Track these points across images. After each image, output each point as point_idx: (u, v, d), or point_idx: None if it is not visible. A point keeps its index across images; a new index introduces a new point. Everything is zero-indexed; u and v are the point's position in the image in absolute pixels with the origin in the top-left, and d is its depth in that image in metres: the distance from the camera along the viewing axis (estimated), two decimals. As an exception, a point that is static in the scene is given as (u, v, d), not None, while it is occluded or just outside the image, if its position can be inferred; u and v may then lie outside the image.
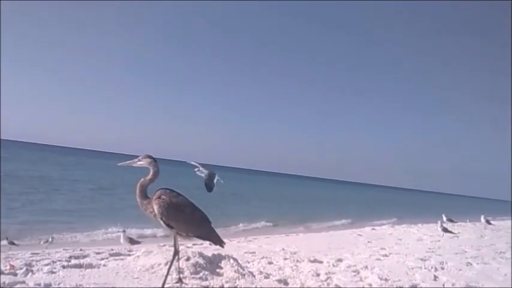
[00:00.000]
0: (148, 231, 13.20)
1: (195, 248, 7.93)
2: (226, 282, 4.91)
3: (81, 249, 8.04)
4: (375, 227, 18.33)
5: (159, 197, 3.91)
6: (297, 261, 8.01)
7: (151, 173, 3.97)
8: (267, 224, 19.44)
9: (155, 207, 3.87)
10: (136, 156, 4.05)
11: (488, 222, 18.70)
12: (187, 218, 4.07)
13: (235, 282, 4.98)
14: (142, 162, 4.01)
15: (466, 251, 10.45)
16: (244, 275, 5.29)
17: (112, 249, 8.03)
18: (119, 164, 4.16)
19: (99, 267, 5.11)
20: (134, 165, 4.04)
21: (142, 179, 3.96)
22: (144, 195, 3.97)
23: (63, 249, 8.02)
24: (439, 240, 12.91)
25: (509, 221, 27.70)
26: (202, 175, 4.73)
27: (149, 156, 4.02)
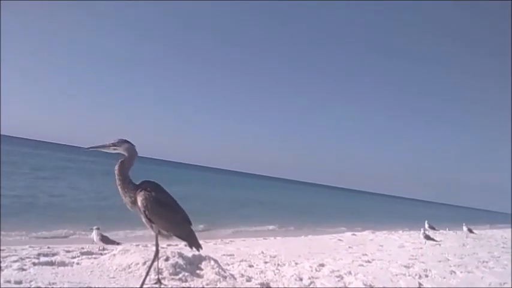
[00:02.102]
0: (121, 232, 12.99)
1: (172, 248, 7.86)
2: (207, 284, 4.87)
3: (48, 247, 7.86)
4: (355, 233, 18.52)
5: (146, 189, 3.83)
6: (278, 265, 8.05)
7: (129, 156, 3.84)
8: (244, 225, 19.43)
9: (139, 199, 3.78)
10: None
11: (470, 230, 19.12)
12: (170, 215, 4.02)
13: (216, 284, 4.94)
14: (117, 148, 3.84)
15: (449, 259, 10.67)
16: (225, 277, 5.27)
17: (83, 248, 7.88)
18: (86, 148, 3.89)
19: (72, 266, 4.99)
20: (107, 150, 3.84)
21: (121, 161, 3.82)
22: (127, 178, 3.84)
23: (30, 247, 7.81)
24: (421, 248, 13.14)
25: (490, 231, 28.47)
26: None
27: (125, 141, 3.87)
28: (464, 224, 19.90)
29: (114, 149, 3.85)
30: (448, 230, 23.04)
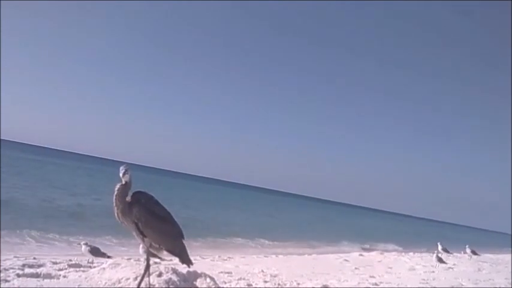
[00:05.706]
0: (114, 243, 13.01)
1: (166, 263, 7.84)
2: (202, 303, 4.86)
3: (34, 258, 7.87)
4: (363, 253, 18.46)
5: (139, 201, 3.85)
6: (279, 284, 8.02)
7: (128, 181, 3.91)
8: (244, 241, 19.42)
9: (133, 211, 3.80)
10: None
11: (474, 252, 19.10)
12: (164, 228, 4.04)
13: (212, 303, 4.93)
14: (127, 173, 3.91)
15: (462, 285, 10.58)
16: (222, 296, 5.25)
17: (70, 260, 7.89)
18: None
19: (58, 278, 5.00)
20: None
21: (122, 184, 3.87)
22: (125, 200, 3.89)
23: (14, 257, 7.83)
24: (433, 271, 13.03)
25: (507, 255, 28.19)
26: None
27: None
28: (467, 245, 19.89)
29: (125, 174, 3.92)
30: (463, 253, 22.91)
